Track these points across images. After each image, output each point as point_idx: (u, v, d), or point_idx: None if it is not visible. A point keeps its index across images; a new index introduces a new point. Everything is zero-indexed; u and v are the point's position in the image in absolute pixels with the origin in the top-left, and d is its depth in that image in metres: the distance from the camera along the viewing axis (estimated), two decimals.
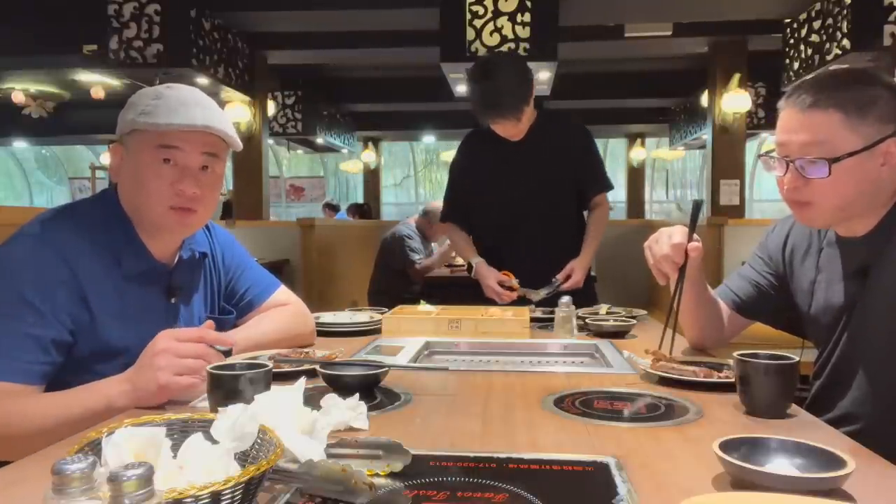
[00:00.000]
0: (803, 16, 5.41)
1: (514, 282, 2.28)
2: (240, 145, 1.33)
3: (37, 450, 0.89)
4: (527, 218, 2.39)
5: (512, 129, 2.30)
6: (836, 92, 1.19)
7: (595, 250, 2.44)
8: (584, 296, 2.32)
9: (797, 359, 1.06)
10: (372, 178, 12.14)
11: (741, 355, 1.07)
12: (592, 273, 2.56)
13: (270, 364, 1.10)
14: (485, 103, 2.24)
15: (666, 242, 1.39)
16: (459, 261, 5.03)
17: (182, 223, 1.29)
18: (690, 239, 1.38)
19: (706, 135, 6.92)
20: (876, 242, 1.25)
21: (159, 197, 1.24)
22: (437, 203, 5.19)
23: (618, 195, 11.20)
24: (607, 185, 2.53)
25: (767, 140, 9.33)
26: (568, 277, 2.32)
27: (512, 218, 2.41)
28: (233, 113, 6.49)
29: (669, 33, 6.12)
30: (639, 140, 11.50)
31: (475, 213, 2.51)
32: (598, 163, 2.55)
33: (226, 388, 0.99)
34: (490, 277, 2.33)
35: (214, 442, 0.72)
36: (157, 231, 1.30)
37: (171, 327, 1.30)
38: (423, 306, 2.04)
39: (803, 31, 5.43)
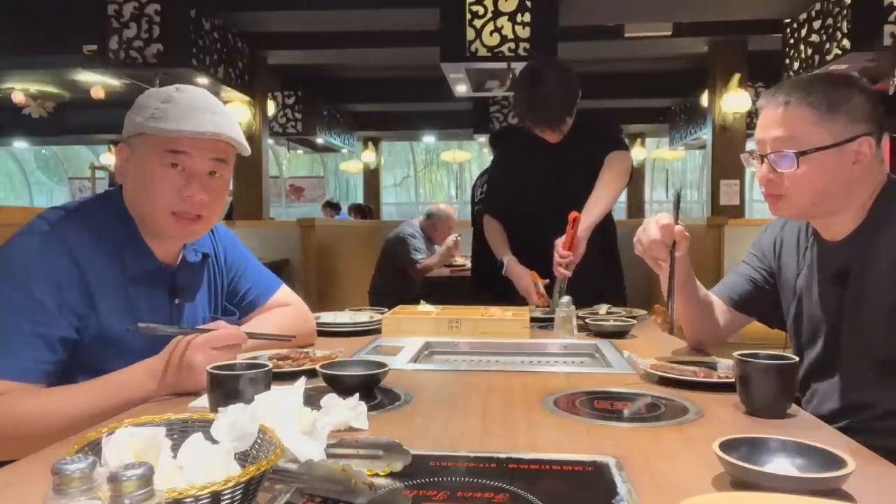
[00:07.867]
0: (803, 16, 5.41)
1: (541, 287, 2.26)
2: (248, 150, 1.33)
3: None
4: (556, 220, 2.35)
5: (550, 135, 2.31)
6: (809, 91, 1.25)
7: (602, 206, 2.23)
8: (614, 295, 2.30)
9: (797, 359, 1.06)
10: (372, 178, 12.13)
11: (741, 355, 1.07)
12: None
13: (270, 364, 1.10)
14: (530, 110, 2.24)
15: (654, 227, 1.41)
16: (459, 261, 5.02)
17: (188, 230, 1.28)
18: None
19: (706, 135, 6.93)
20: (856, 245, 1.28)
21: (163, 201, 1.23)
22: (441, 205, 5.18)
23: None
24: (617, 144, 2.33)
25: None
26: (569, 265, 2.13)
27: (540, 219, 2.38)
28: (233, 113, 6.48)
29: (669, 33, 6.12)
30: (639, 140, 11.48)
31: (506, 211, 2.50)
32: (609, 130, 2.41)
33: (226, 388, 0.99)
34: (525, 277, 2.31)
35: (214, 442, 0.72)
36: (161, 236, 1.30)
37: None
38: (423, 306, 2.04)
39: (803, 31, 5.43)
